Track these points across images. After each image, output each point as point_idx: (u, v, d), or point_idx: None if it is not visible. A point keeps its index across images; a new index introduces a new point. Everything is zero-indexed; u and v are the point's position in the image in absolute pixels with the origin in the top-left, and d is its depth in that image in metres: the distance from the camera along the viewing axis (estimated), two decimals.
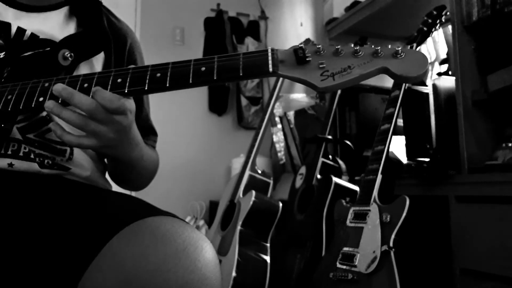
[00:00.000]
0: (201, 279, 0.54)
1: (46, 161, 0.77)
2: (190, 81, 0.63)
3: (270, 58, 0.63)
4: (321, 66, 0.61)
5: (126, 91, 0.64)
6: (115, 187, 0.90)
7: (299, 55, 0.62)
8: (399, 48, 0.61)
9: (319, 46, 0.63)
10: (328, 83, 0.60)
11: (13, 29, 0.78)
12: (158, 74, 0.64)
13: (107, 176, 0.91)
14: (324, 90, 0.60)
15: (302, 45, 0.64)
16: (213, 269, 0.56)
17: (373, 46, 0.62)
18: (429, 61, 2.36)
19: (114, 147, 0.69)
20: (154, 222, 0.57)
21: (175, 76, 0.64)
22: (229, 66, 0.63)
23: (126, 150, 0.73)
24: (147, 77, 0.64)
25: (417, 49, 1.55)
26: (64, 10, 0.86)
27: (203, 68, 0.63)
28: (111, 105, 0.63)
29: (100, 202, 0.70)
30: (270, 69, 0.62)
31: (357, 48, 0.62)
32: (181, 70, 0.64)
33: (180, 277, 0.52)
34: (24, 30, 0.79)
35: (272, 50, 0.64)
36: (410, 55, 0.61)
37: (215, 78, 0.63)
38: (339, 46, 0.63)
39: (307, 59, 0.62)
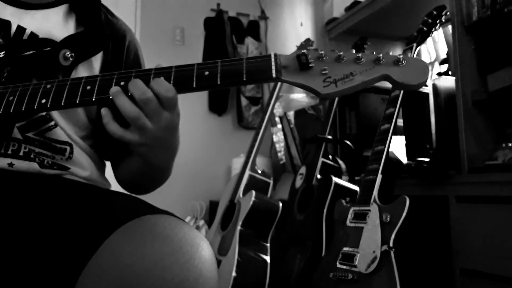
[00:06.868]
0: (197, 277, 0.54)
1: (46, 160, 0.77)
2: (194, 85, 0.64)
3: (273, 63, 0.63)
4: (323, 72, 0.62)
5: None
6: (114, 187, 0.89)
7: (302, 61, 0.62)
8: (401, 56, 0.61)
9: (322, 52, 0.63)
10: (330, 90, 0.60)
11: (13, 28, 0.78)
12: (162, 78, 0.64)
13: (106, 175, 0.91)
14: (326, 96, 0.61)
15: (304, 50, 0.64)
16: (210, 267, 0.56)
17: (374, 53, 0.63)
18: (429, 61, 2.36)
19: (155, 149, 0.68)
20: (151, 220, 0.58)
21: (178, 80, 0.64)
22: (232, 71, 0.64)
23: (165, 155, 0.73)
24: (151, 80, 0.64)
25: (417, 49, 1.55)
26: (63, 8, 0.85)
27: (207, 73, 0.64)
28: (167, 93, 0.62)
29: (100, 201, 0.70)
30: (274, 75, 0.62)
31: (359, 54, 0.62)
32: (185, 74, 0.64)
33: (176, 275, 0.52)
34: (24, 29, 0.78)
35: (275, 55, 0.64)
36: (412, 62, 0.62)
37: (218, 82, 0.63)
38: (341, 53, 0.63)
39: (310, 65, 0.62)
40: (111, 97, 0.64)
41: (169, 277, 0.52)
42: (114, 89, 0.64)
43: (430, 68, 2.32)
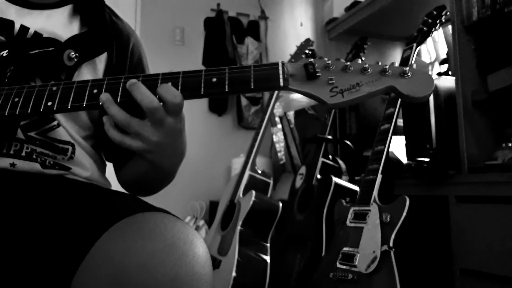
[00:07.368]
0: (189, 274, 0.53)
1: (48, 161, 0.77)
2: (202, 92, 0.63)
3: (281, 72, 0.63)
4: (330, 82, 0.62)
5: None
6: (114, 186, 0.89)
7: (309, 70, 0.63)
8: (407, 68, 0.62)
9: (329, 61, 0.64)
10: (337, 100, 0.61)
11: (16, 27, 0.78)
12: (169, 83, 0.64)
13: (107, 175, 0.91)
14: (333, 106, 0.62)
15: (311, 59, 0.64)
16: (203, 264, 0.56)
17: (380, 63, 0.63)
18: (429, 61, 2.36)
19: (160, 154, 0.69)
20: (143, 217, 0.58)
21: (186, 86, 0.64)
22: (240, 79, 0.64)
23: (171, 159, 0.73)
24: (158, 86, 0.64)
25: (417, 49, 1.55)
26: (67, 8, 0.85)
27: (214, 79, 0.63)
28: (174, 100, 0.62)
29: (100, 201, 0.70)
30: (281, 83, 0.62)
31: (366, 65, 0.63)
32: (193, 81, 0.64)
33: (168, 272, 0.52)
34: (28, 28, 0.78)
35: (283, 63, 0.64)
36: (417, 75, 0.62)
37: (226, 90, 0.63)
38: (348, 63, 0.63)
39: (317, 74, 0.62)
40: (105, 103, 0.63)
41: (160, 274, 0.52)
42: (104, 96, 0.64)
43: (431, 68, 2.32)
